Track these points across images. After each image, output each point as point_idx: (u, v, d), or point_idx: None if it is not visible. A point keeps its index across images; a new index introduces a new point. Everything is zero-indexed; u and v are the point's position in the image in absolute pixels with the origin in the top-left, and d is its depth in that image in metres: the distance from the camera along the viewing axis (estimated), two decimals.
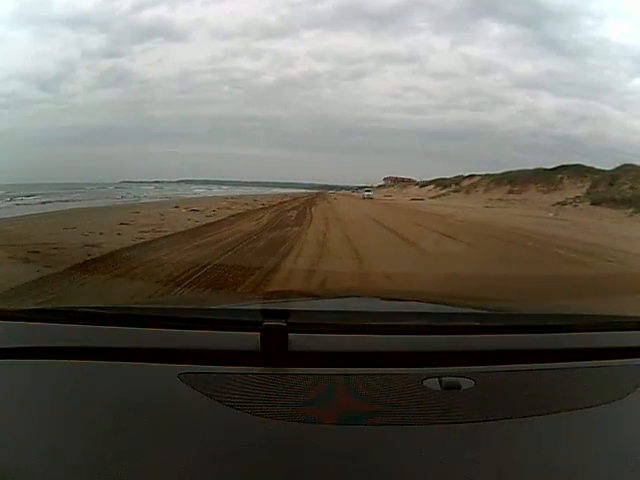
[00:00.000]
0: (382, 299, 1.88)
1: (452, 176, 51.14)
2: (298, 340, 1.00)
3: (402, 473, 0.74)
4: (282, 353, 0.97)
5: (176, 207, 18.29)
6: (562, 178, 34.41)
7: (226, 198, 31.80)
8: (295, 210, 20.36)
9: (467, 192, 43.43)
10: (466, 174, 48.88)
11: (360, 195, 49.99)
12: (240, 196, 39.01)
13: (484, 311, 1.56)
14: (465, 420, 0.84)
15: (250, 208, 20.72)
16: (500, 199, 34.88)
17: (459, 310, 1.54)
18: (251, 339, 0.97)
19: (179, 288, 4.50)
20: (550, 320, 1.34)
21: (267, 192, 62.04)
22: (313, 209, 21.99)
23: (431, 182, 55.02)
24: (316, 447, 0.78)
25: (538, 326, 1.24)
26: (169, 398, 0.88)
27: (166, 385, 0.91)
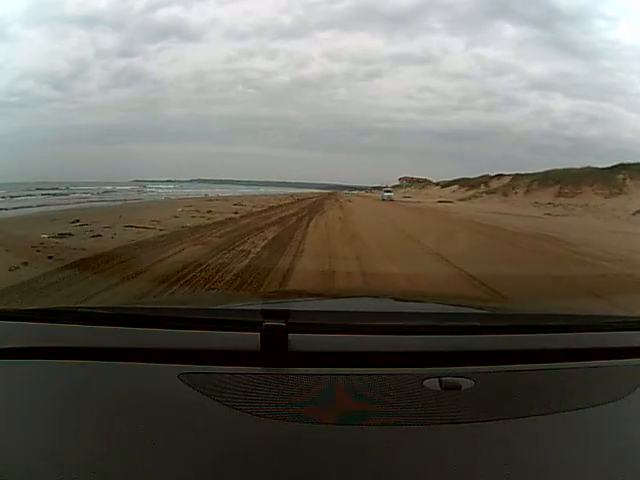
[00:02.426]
0: (382, 299, 1.88)
1: (477, 176, 47.82)
2: (298, 340, 1.00)
3: (402, 473, 0.74)
4: (282, 353, 0.97)
5: (75, 221, 10.42)
6: (624, 179, 30.08)
7: (196, 201, 24.18)
8: (278, 227, 11.34)
9: (504, 194, 38.07)
10: (492, 174, 45.50)
11: (378, 196, 45.34)
12: (227, 198, 30.72)
13: (484, 311, 1.57)
14: (465, 420, 0.84)
15: (199, 224, 11.41)
16: (551, 204, 29.29)
17: (459, 310, 1.54)
18: (251, 339, 0.97)
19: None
20: (550, 320, 1.34)
21: (274, 192, 58.92)
22: (313, 222, 13.29)
23: (454, 182, 51.23)
24: (316, 447, 0.78)
25: (538, 326, 1.24)
26: (169, 398, 0.88)
27: (166, 385, 0.91)
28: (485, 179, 45.77)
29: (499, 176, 44.34)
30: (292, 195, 45.66)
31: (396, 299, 1.92)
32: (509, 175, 42.80)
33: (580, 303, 3.44)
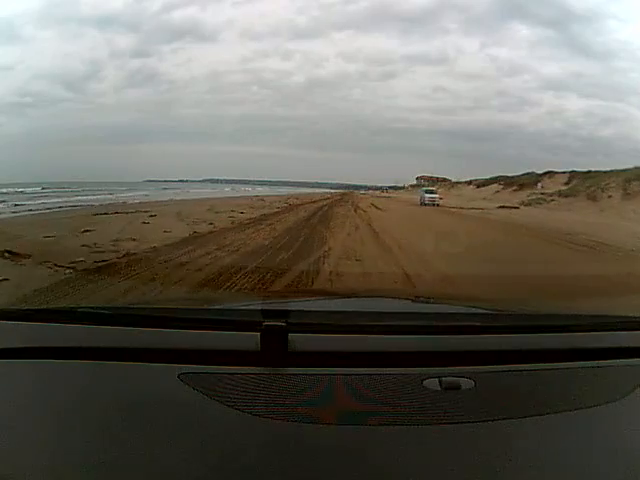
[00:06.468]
0: (382, 299, 1.88)
1: (520, 174, 38.64)
2: (298, 340, 1.00)
3: (402, 473, 0.74)
4: (282, 353, 0.97)
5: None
6: None
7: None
8: None
9: (591, 198, 27.51)
10: (540, 171, 35.17)
11: (402, 196, 36.44)
12: (212, 199, 23.87)
13: (484, 311, 1.56)
14: (465, 420, 0.84)
15: None
16: None
17: (459, 310, 1.54)
18: (251, 339, 0.97)
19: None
20: (550, 320, 1.34)
21: (282, 191, 53.89)
22: None
23: (491, 181, 42.58)
24: (316, 447, 0.78)
25: (538, 326, 1.24)
26: (169, 398, 0.88)
27: (166, 385, 0.91)
28: (533, 177, 36.50)
29: (550, 173, 35.45)
30: (287, 199, 30.06)
31: (396, 299, 1.91)
32: (562, 172, 34.18)
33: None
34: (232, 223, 11.99)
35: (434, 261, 6.51)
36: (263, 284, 4.94)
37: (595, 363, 1.05)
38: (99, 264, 5.61)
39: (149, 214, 13.44)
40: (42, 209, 16.74)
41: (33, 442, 0.78)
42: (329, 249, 7.59)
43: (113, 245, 7.17)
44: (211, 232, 9.85)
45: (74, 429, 0.82)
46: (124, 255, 6.27)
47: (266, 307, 1.16)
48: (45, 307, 1.34)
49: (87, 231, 8.75)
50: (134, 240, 7.77)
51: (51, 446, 0.77)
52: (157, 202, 22.11)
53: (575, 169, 33.56)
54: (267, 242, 8.41)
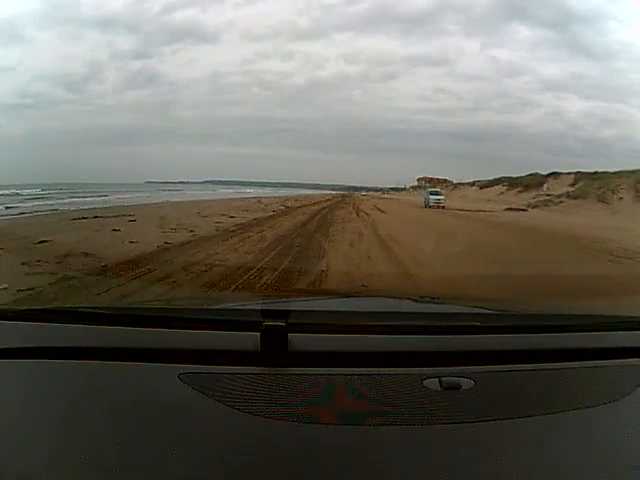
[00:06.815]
0: (382, 299, 1.89)
1: (524, 175, 38.50)
2: (298, 340, 1.00)
3: (402, 473, 0.74)
4: (282, 353, 0.97)
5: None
6: None
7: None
8: None
9: (601, 200, 25.95)
10: (544, 172, 36.39)
11: (402, 198, 36.30)
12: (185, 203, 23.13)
13: (484, 311, 1.56)
14: (465, 420, 0.84)
15: None
16: None
17: (459, 310, 1.54)
18: (251, 339, 0.97)
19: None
20: (550, 320, 1.34)
21: (282, 193, 54.78)
22: None
23: (495, 182, 41.82)
24: (316, 447, 0.78)
25: (538, 326, 1.24)
26: (169, 398, 0.88)
27: (166, 385, 0.91)
28: (538, 178, 36.08)
29: (555, 174, 35.21)
30: (286, 201, 29.06)
31: (396, 299, 1.91)
32: (567, 173, 33.83)
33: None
34: (216, 230, 10.54)
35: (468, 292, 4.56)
36: None
37: (595, 363, 1.05)
38: (21, 293, 4.23)
39: (129, 219, 12.28)
40: (30, 212, 16.03)
41: (33, 442, 0.78)
42: (327, 267, 6.09)
43: (58, 262, 5.80)
44: (186, 243, 8.21)
45: (74, 429, 0.82)
46: (60, 279, 4.84)
47: (266, 307, 1.16)
48: (45, 307, 1.33)
49: (43, 242, 7.41)
50: (87, 255, 6.33)
51: (51, 446, 0.78)
52: (147, 204, 21.25)
53: (580, 170, 33.18)
54: (250, 256, 6.88)
